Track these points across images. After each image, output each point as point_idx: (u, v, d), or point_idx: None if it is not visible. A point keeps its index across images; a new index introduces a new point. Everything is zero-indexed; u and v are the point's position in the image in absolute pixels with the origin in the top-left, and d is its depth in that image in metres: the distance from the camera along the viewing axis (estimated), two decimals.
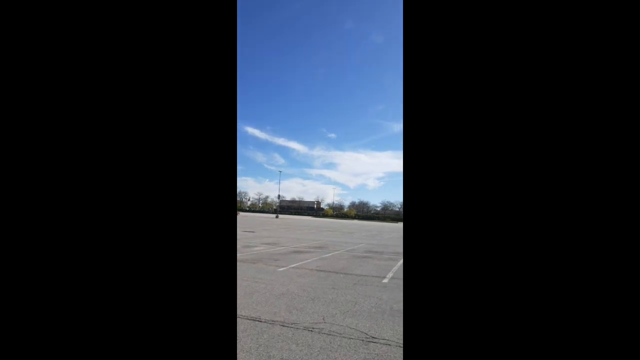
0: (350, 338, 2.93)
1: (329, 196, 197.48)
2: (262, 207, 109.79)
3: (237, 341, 2.70)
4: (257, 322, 3.19)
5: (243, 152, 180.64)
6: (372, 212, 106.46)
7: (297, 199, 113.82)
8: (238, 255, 7.82)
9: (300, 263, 7.16)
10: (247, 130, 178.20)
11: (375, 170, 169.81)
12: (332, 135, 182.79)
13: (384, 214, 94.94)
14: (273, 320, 3.27)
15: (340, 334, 3.02)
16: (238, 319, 3.26)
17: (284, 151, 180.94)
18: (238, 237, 12.98)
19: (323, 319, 3.42)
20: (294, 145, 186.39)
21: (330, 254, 9.12)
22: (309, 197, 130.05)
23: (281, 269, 6.24)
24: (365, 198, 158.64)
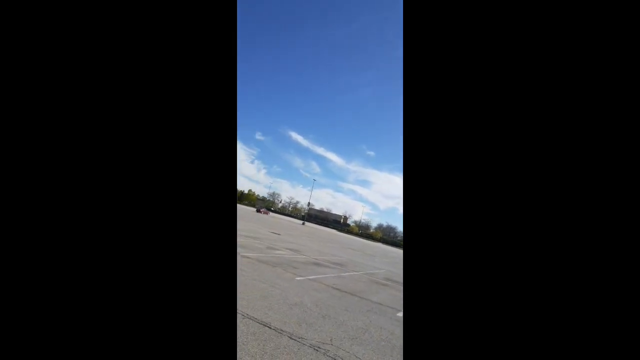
0: None
1: (357, 213, 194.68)
2: (291, 212, 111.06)
3: (244, 344, 2.78)
4: (266, 328, 3.24)
5: (283, 155, 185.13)
6: (399, 238, 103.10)
7: (325, 210, 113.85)
8: (261, 255, 8.01)
9: (318, 276, 7.15)
10: (291, 135, 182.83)
11: None
12: (371, 153, 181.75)
13: None
14: (282, 330, 3.30)
15: None
16: (249, 320, 3.34)
17: (321, 160, 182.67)
18: (265, 236, 13.26)
19: (331, 340, 3.39)
20: (331, 156, 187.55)
21: (348, 274, 8.99)
22: (336, 210, 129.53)
23: (298, 279, 6.28)
24: (393, 222, 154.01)
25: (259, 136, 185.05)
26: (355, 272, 9.86)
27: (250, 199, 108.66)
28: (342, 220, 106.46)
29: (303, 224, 54.82)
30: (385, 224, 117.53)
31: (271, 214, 69.81)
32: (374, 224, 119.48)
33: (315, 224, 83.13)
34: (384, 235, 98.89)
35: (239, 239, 9.75)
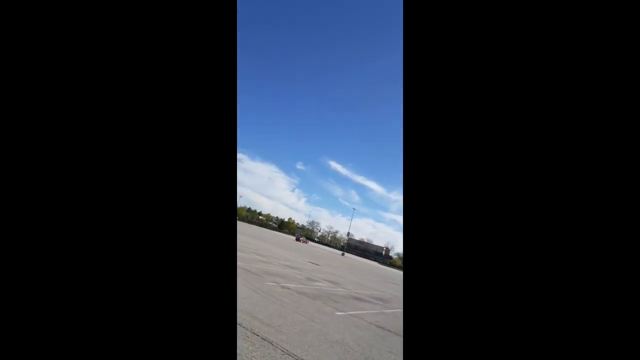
0: None
1: (400, 245, 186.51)
2: (330, 241, 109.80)
3: None
4: None
5: (322, 184, 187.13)
6: None
7: (365, 240, 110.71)
8: (301, 286, 7.87)
9: (359, 312, 6.79)
10: (330, 164, 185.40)
11: None
12: None
13: None
14: None
15: None
16: (288, 357, 3.20)
17: (361, 189, 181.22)
18: (304, 266, 13.14)
19: None
20: (372, 185, 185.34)
21: (392, 311, 8.44)
22: (378, 241, 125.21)
23: (339, 314, 6.01)
24: None
25: (299, 166, 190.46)
26: (399, 309, 9.22)
27: (290, 227, 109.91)
28: (383, 252, 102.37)
29: (342, 254, 53.65)
30: None
31: (310, 243, 69.55)
32: None
33: (355, 255, 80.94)
34: None
35: (279, 268, 9.75)
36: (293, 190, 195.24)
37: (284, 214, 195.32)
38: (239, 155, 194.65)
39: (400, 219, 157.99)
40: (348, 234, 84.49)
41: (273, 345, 3.37)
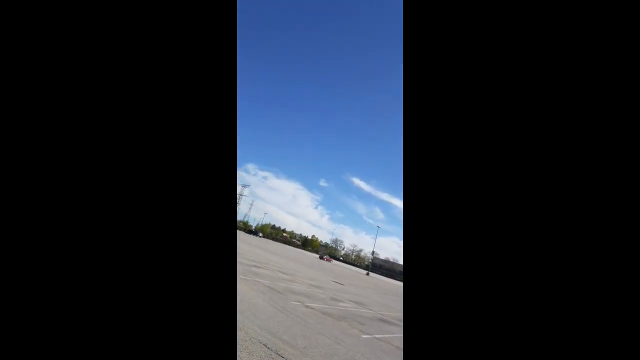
0: None
1: None
2: (354, 260, 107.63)
3: None
4: None
5: (346, 201, 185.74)
6: None
7: (391, 260, 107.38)
8: (325, 306, 7.73)
9: (386, 335, 6.52)
10: (353, 181, 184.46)
11: None
12: None
13: None
14: None
15: None
16: None
17: (385, 207, 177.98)
18: (328, 286, 12.92)
19: None
20: (397, 202, 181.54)
21: None
22: None
23: (365, 336, 5.81)
24: None
25: (322, 183, 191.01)
26: None
27: (313, 245, 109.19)
28: None
29: (367, 274, 52.27)
30: None
31: (334, 261, 68.52)
32: None
33: (380, 274, 78.53)
34: None
35: (303, 287, 9.66)
36: (316, 207, 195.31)
37: (307, 232, 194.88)
38: (265, 174, 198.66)
39: None
40: (372, 252, 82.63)
41: None
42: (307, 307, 6.89)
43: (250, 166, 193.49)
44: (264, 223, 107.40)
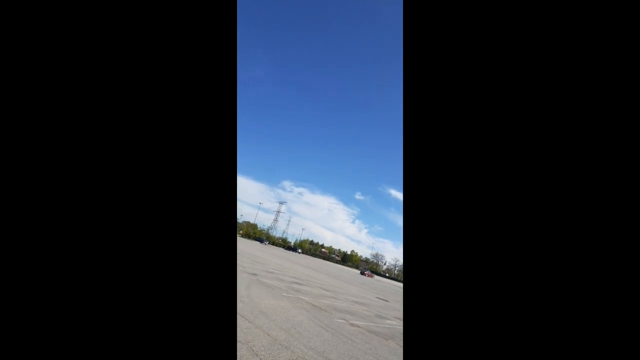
0: None
1: None
2: (397, 275, 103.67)
3: None
4: None
5: (383, 213, 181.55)
6: None
7: None
8: (371, 324, 7.44)
9: None
10: (390, 192, 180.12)
11: None
12: None
13: None
14: None
15: None
16: None
17: None
18: (372, 302, 12.50)
19: None
20: None
21: None
22: None
23: None
24: None
25: (358, 196, 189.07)
26: None
27: (353, 260, 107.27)
28: None
29: None
30: None
31: (375, 277, 66.54)
32: None
33: None
34: None
35: (346, 304, 9.42)
36: (353, 222, 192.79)
37: (346, 246, 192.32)
38: (300, 190, 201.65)
39: None
40: None
41: None
42: (352, 325, 6.68)
43: (286, 183, 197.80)
44: (302, 239, 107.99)
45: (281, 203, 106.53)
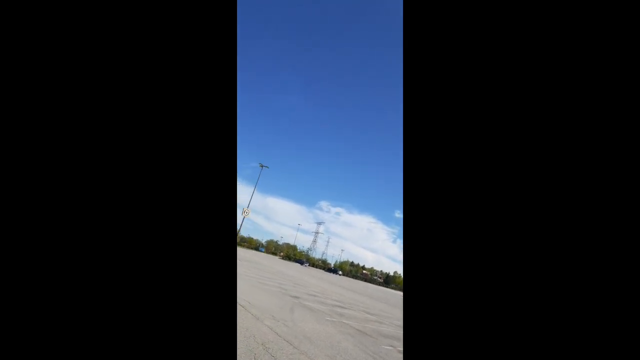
0: None
1: None
2: None
3: None
4: None
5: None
6: None
7: None
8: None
9: None
10: None
11: None
12: None
13: None
14: None
15: None
16: None
17: None
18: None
19: None
20: None
21: None
22: None
23: None
24: None
25: (398, 214, 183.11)
26: None
27: (396, 282, 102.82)
28: None
29: None
30: None
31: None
32: None
33: None
34: None
35: (392, 329, 8.96)
36: (394, 241, 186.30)
37: (388, 267, 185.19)
38: (338, 209, 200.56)
39: None
40: None
41: None
42: (400, 352, 6.31)
43: (323, 203, 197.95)
44: (341, 260, 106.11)
45: (319, 223, 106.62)
